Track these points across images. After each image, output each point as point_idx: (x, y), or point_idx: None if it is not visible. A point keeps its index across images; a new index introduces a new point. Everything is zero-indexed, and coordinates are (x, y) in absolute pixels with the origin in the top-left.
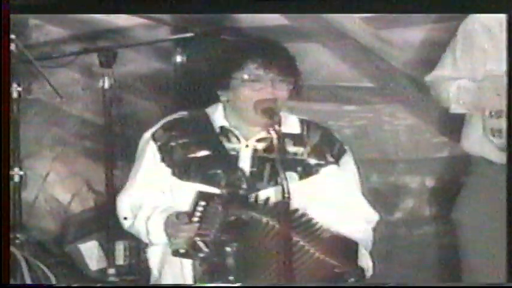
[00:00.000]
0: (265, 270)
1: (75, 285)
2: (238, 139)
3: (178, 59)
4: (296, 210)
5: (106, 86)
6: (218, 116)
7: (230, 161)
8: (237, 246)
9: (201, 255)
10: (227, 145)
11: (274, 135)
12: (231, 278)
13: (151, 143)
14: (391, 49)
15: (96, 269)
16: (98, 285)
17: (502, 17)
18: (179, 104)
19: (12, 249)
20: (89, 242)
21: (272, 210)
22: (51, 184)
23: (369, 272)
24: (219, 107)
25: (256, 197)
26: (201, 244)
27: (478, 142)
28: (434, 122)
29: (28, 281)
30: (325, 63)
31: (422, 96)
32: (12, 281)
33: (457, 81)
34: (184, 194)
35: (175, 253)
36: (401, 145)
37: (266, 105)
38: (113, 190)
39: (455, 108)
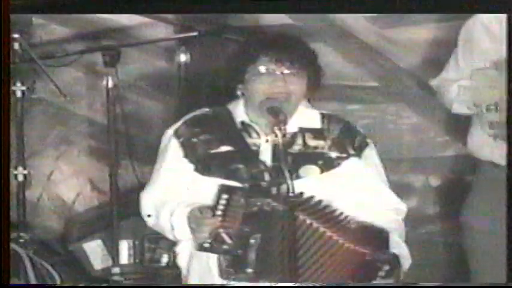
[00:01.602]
0: (290, 261)
1: (81, 285)
2: (258, 134)
3: (182, 58)
4: (320, 201)
5: (110, 85)
6: (239, 111)
7: (252, 155)
8: (261, 238)
9: (225, 247)
10: (248, 140)
11: (279, 134)
12: (249, 270)
13: (174, 139)
14: (396, 48)
15: (100, 268)
16: (104, 285)
17: (502, 17)
18: (183, 103)
19: (16, 248)
20: (93, 241)
21: (294, 201)
22: (55, 183)
23: (408, 260)
24: (240, 103)
25: (279, 189)
26: (224, 236)
27: (483, 145)
28: (438, 121)
29: (32, 280)
30: (329, 62)
31: (426, 96)
32: (16, 280)
33: (458, 81)
34: (206, 189)
35: (200, 248)
36: (406, 144)
37: (270, 104)
38: (117, 189)
39: (456, 108)
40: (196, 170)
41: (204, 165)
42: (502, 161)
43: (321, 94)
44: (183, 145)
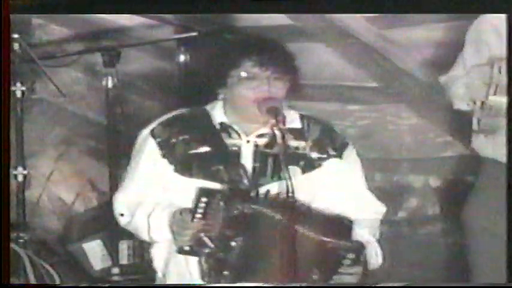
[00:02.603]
0: (269, 262)
1: (82, 285)
2: (238, 135)
3: (182, 58)
4: (300, 203)
5: (109, 85)
6: (218, 112)
7: (232, 156)
8: (242, 241)
9: (207, 250)
10: (228, 141)
11: (278, 134)
12: (233, 272)
13: (151, 139)
14: (395, 49)
15: (100, 268)
16: (106, 285)
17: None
18: (182, 103)
19: (16, 248)
20: (92, 241)
21: (273, 203)
22: (55, 183)
23: (379, 260)
24: (219, 104)
25: (257, 191)
26: (206, 239)
27: (485, 142)
28: (438, 122)
29: (32, 280)
30: (329, 62)
31: (426, 96)
32: (16, 280)
33: (462, 78)
34: (187, 190)
35: (181, 250)
36: (405, 144)
37: (271, 104)
38: (116, 189)
39: (457, 104)
40: (176, 170)
41: (184, 166)
42: (504, 158)
43: (320, 94)
44: (161, 145)
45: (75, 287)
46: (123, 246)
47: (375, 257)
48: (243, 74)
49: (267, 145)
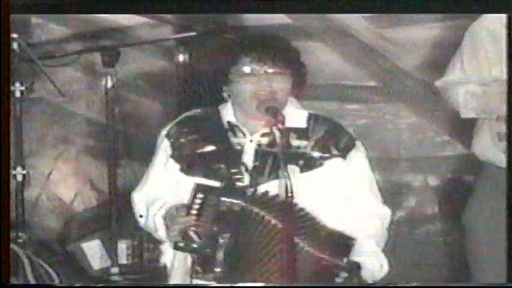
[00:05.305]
0: (255, 262)
1: (78, 284)
2: (243, 134)
3: (181, 58)
4: (294, 204)
5: (109, 85)
6: (227, 112)
7: (234, 155)
8: (230, 238)
9: (194, 245)
10: (233, 140)
11: (277, 133)
12: (218, 270)
13: (165, 140)
14: (394, 48)
15: (99, 268)
16: (99, 285)
17: (503, 18)
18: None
19: (15, 248)
20: (91, 241)
21: (268, 202)
22: (54, 183)
23: (384, 270)
24: (229, 103)
25: (255, 190)
26: (192, 234)
27: (488, 147)
28: (437, 121)
29: (31, 280)
30: (328, 62)
31: (425, 95)
32: (14, 280)
33: (465, 86)
34: (189, 188)
35: (176, 246)
36: (404, 144)
37: (269, 104)
38: (115, 189)
39: (465, 113)
40: (182, 170)
41: (189, 165)
42: (504, 164)
43: (320, 93)
44: (173, 146)
45: (72, 286)
46: (122, 246)
47: (379, 269)
48: (242, 70)
49: (269, 144)
